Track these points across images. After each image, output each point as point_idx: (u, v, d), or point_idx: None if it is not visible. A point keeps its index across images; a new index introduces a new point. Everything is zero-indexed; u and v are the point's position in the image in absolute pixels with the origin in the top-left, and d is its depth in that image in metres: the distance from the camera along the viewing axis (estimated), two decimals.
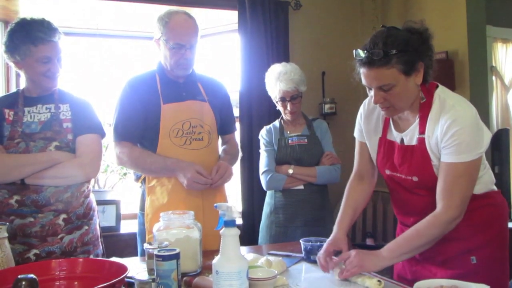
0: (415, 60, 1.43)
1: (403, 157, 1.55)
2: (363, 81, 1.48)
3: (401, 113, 1.56)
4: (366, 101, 1.72)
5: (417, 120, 1.52)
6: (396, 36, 1.42)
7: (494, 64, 3.94)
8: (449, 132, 1.42)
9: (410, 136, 1.55)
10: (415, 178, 1.54)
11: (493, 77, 3.94)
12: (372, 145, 1.69)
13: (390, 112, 1.53)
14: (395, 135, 1.60)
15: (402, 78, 1.42)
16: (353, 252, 1.50)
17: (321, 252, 1.59)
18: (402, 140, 1.58)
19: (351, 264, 1.46)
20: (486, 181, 1.57)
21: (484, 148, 1.45)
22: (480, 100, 3.31)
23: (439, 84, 1.55)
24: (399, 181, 1.60)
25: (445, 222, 1.44)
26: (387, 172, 1.63)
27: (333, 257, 1.58)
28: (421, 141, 1.50)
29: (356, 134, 1.78)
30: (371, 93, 1.49)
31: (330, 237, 1.65)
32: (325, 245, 1.62)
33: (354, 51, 1.46)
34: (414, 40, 1.43)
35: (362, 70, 1.46)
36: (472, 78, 3.26)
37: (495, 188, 1.63)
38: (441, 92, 1.51)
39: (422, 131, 1.50)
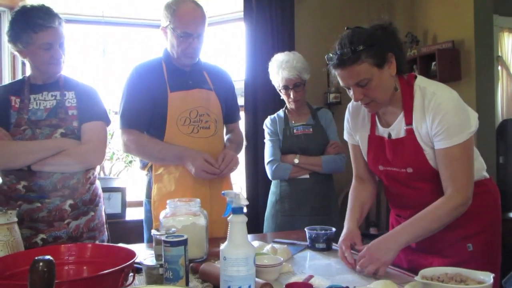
0: (383, 52, 1.46)
1: (394, 151, 1.57)
2: (341, 83, 1.53)
3: (384, 108, 1.58)
4: (349, 105, 1.76)
5: (402, 113, 1.55)
6: (361, 33, 1.47)
7: (500, 54, 3.92)
8: (436, 120, 1.45)
9: (397, 130, 1.56)
10: (409, 170, 1.55)
11: (499, 67, 3.92)
12: (363, 145, 1.71)
13: (372, 107, 1.55)
14: (382, 131, 1.62)
15: (375, 71, 1.46)
16: (364, 250, 1.47)
17: (340, 252, 1.57)
18: (389, 135, 1.59)
19: (363, 264, 1.44)
20: (478, 168, 1.58)
21: (473, 127, 1.47)
22: (486, 90, 3.30)
23: (417, 75, 1.58)
24: (393, 175, 1.61)
25: (459, 205, 1.45)
26: (381, 168, 1.64)
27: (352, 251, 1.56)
28: (410, 132, 1.52)
29: (346, 137, 1.80)
30: (351, 92, 1.52)
31: (343, 233, 1.63)
32: (340, 242, 1.60)
33: (326, 56, 1.52)
34: (378, 34, 1.47)
35: (337, 72, 1.51)
36: (478, 67, 3.25)
37: (487, 175, 1.65)
38: (420, 82, 1.54)
39: (408, 121, 1.52)
